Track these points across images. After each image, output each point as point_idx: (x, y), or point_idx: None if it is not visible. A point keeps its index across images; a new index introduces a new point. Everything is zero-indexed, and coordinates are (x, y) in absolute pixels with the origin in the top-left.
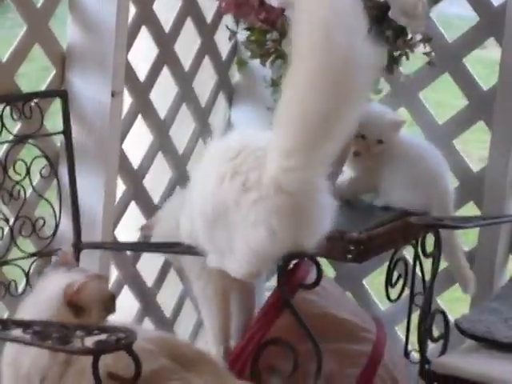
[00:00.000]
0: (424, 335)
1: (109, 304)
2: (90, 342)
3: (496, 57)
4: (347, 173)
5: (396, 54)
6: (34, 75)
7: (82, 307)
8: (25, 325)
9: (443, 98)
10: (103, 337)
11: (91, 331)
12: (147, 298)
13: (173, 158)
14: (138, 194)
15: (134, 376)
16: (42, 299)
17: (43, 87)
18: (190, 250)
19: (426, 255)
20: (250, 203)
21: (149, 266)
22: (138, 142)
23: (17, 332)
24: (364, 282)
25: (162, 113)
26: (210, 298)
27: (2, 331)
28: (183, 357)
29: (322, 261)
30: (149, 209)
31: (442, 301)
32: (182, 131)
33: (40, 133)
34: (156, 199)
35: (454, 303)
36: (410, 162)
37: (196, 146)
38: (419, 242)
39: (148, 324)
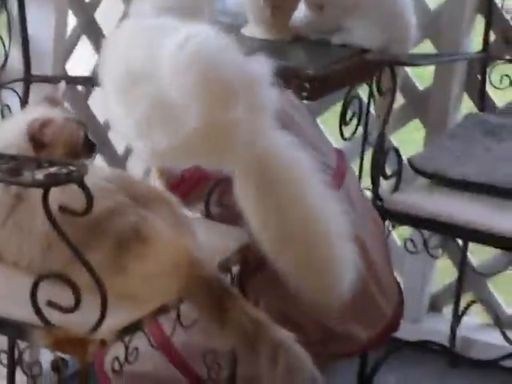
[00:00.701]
0: (377, 172)
1: (77, 149)
2: (40, 175)
3: None
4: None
5: None
6: None
7: (45, 144)
8: None
9: None
10: (54, 170)
11: (42, 164)
12: (99, 136)
13: None
14: (89, 27)
15: (84, 209)
16: (9, 131)
17: None
18: None
19: (380, 93)
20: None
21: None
22: None
23: None
24: (318, 120)
25: None
26: None
27: None
28: (141, 196)
29: None
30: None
31: (396, 141)
32: None
33: None
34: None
35: (409, 144)
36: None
37: None
38: (374, 80)
39: (100, 161)
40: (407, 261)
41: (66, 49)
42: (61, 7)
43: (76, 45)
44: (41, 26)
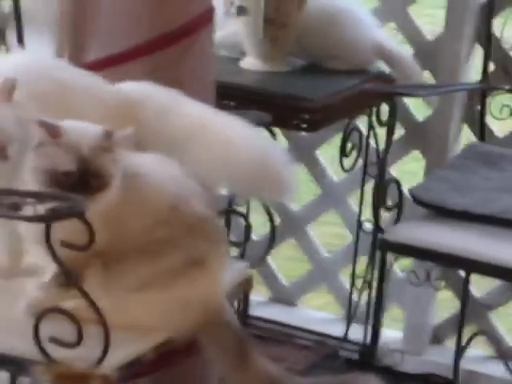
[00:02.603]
0: (378, 204)
1: None
2: (42, 209)
3: None
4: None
5: None
6: None
7: None
8: None
9: None
10: (55, 204)
11: (43, 198)
12: None
13: None
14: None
15: (86, 244)
16: None
17: None
18: None
19: (380, 124)
20: None
21: None
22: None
23: None
24: (317, 151)
25: None
26: None
27: None
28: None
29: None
30: None
31: (396, 171)
32: None
33: None
34: None
35: (408, 175)
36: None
37: None
38: (373, 111)
39: None
40: (409, 293)
41: None
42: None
43: None
44: None
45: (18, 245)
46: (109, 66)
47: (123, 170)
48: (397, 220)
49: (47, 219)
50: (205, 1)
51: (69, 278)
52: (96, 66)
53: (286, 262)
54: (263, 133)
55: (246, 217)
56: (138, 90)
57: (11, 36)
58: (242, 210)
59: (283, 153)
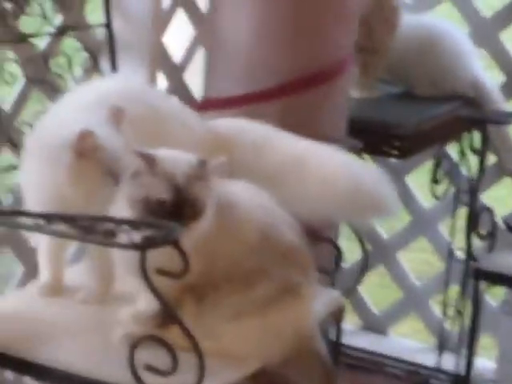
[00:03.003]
0: (471, 232)
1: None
2: (137, 236)
3: None
4: None
5: None
6: None
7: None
8: (71, 219)
9: None
10: (150, 232)
11: (138, 226)
12: None
13: None
14: (178, 88)
15: (181, 271)
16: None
17: None
18: None
19: (473, 151)
20: None
21: None
22: (178, 34)
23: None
24: (407, 178)
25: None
26: None
27: (47, 226)
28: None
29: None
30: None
31: (488, 198)
32: None
33: (81, 25)
34: (196, 94)
35: (499, 201)
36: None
37: None
38: (465, 139)
39: None
40: (502, 322)
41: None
42: (151, 68)
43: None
44: None
45: (109, 271)
46: (241, 104)
47: (216, 198)
48: (490, 248)
49: (142, 247)
50: (347, 45)
51: (164, 306)
52: (230, 103)
53: (375, 289)
54: (357, 160)
55: (336, 244)
56: (233, 125)
57: (105, 63)
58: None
59: (379, 173)
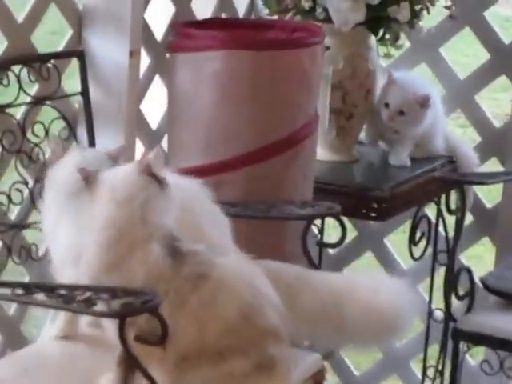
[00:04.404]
0: (449, 293)
1: None
2: (115, 304)
3: (506, 13)
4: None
5: (417, 7)
6: (42, 39)
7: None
8: (49, 289)
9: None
10: (129, 299)
11: (116, 294)
12: None
13: None
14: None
15: (159, 339)
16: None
17: (60, 48)
18: None
19: (450, 212)
20: None
21: None
22: (155, 102)
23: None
24: (385, 240)
25: None
26: None
27: (26, 295)
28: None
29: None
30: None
31: (465, 258)
32: None
33: (58, 94)
34: None
35: (475, 259)
36: None
37: None
38: (442, 199)
39: None
40: (482, 382)
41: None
42: (129, 136)
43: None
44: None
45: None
46: (206, 174)
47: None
48: (469, 308)
49: (122, 314)
50: (309, 110)
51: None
52: (193, 172)
53: (356, 351)
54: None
55: None
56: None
57: (82, 131)
58: None
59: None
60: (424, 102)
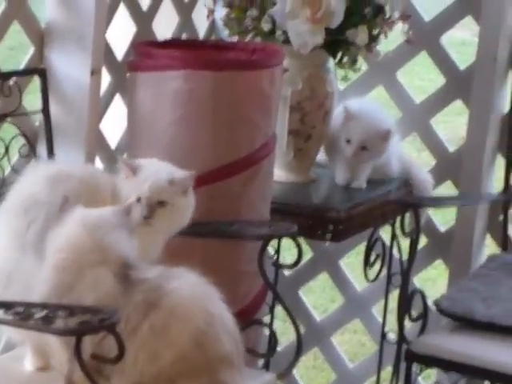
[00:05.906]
0: (402, 315)
1: None
2: (72, 322)
3: (462, 36)
4: None
5: (375, 32)
6: (1, 54)
7: None
8: (6, 306)
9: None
10: (86, 317)
11: (74, 312)
12: None
13: None
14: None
15: (116, 357)
16: None
17: (21, 65)
18: None
19: (404, 234)
20: None
21: None
22: (115, 121)
23: None
24: (340, 262)
25: None
26: None
27: None
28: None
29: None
30: None
31: (419, 280)
32: None
33: (19, 111)
34: None
35: (429, 282)
36: None
37: None
38: (397, 222)
39: None
40: None
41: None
42: (89, 154)
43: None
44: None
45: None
46: None
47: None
48: (422, 331)
49: (78, 332)
50: (268, 130)
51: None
52: None
53: (310, 371)
54: None
55: (271, 327)
56: None
57: (42, 148)
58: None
59: None
60: (386, 136)
